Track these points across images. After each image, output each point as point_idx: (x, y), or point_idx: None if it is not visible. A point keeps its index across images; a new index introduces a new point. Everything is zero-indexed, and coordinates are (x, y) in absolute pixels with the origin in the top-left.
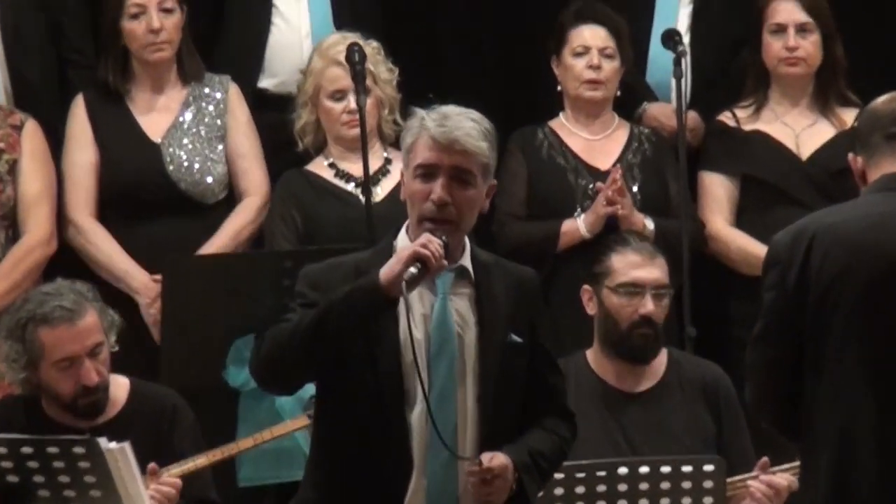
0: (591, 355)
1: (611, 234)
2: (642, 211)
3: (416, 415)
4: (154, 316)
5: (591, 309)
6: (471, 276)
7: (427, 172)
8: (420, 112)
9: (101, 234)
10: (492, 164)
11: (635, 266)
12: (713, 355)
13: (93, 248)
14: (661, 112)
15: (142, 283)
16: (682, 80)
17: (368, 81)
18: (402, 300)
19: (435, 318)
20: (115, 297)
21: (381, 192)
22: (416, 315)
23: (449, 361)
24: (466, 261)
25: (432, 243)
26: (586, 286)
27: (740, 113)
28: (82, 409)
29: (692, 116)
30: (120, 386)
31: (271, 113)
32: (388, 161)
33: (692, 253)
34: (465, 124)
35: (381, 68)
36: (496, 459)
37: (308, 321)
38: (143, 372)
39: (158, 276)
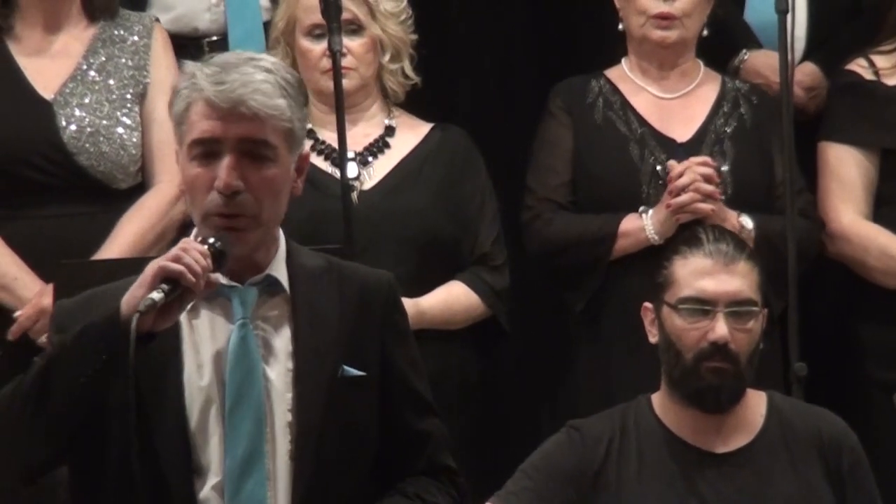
0: (658, 400)
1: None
2: (736, 204)
3: (209, 492)
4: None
5: (653, 336)
6: (285, 290)
7: (207, 151)
8: (190, 66)
9: None
10: (299, 130)
11: (702, 274)
12: (834, 403)
13: None
14: (766, 63)
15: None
16: (789, 15)
17: (363, 14)
18: (196, 335)
19: (231, 355)
20: None
21: (374, 174)
22: (204, 352)
23: (253, 413)
24: (279, 269)
25: (189, 252)
26: (647, 304)
27: (880, 61)
28: None
29: (808, 70)
30: None
31: None
32: (389, 131)
33: (804, 261)
34: (253, 77)
35: None
36: None
37: (31, 378)
38: None
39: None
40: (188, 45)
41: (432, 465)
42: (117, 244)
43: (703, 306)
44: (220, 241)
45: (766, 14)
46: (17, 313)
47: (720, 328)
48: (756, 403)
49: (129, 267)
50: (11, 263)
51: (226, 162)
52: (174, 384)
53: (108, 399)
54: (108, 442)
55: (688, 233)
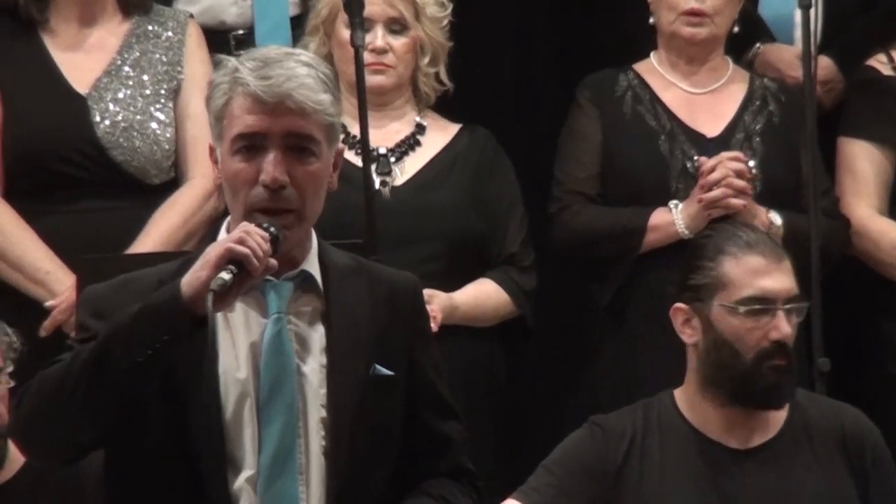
0: (682, 397)
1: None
2: (764, 201)
3: (243, 484)
4: None
5: (689, 336)
6: (318, 286)
7: (251, 145)
8: (228, 60)
9: (8, 218)
10: (338, 124)
11: (760, 273)
12: (855, 398)
13: None
14: (780, 57)
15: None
16: (813, 10)
17: (409, 14)
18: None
19: (266, 349)
20: (13, 308)
21: (403, 171)
22: (240, 345)
23: (286, 407)
24: (312, 265)
25: (252, 236)
26: (680, 305)
27: None
28: None
29: (823, 64)
30: None
31: None
32: (420, 129)
33: (830, 259)
34: (297, 71)
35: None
36: None
37: (85, 357)
38: None
39: None
40: (214, 39)
41: (454, 467)
42: (150, 239)
43: (766, 305)
44: (274, 228)
45: (779, 8)
46: (49, 303)
47: (784, 327)
48: None
49: (153, 262)
50: (45, 258)
51: (272, 156)
52: (210, 375)
53: (153, 384)
54: (147, 429)
55: (723, 233)
